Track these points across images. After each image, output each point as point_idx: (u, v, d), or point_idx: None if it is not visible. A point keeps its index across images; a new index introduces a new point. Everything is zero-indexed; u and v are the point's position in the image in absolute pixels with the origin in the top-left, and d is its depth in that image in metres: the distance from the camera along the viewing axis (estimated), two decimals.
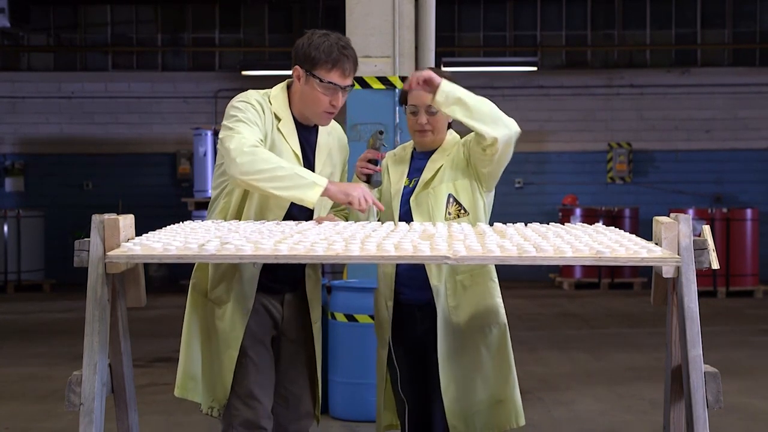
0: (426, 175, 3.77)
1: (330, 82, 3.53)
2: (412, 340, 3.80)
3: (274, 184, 3.35)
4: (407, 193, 3.80)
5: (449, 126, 3.87)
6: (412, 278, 3.75)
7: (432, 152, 3.83)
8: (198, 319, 3.65)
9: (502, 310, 3.77)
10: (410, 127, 3.81)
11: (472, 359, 3.68)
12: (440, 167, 3.76)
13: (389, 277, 3.78)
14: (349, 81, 3.58)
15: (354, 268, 6.79)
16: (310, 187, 3.36)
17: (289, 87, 3.68)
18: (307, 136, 3.68)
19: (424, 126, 3.76)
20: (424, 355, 3.77)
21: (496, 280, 3.79)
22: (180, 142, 15.46)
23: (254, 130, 3.47)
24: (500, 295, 3.80)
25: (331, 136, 3.76)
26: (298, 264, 3.56)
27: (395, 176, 3.85)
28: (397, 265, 3.76)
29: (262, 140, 3.48)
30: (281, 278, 3.65)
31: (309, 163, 3.65)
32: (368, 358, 6.24)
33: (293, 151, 3.59)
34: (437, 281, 3.68)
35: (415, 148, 3.90)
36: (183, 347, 3.69)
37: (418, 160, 3.85)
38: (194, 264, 3.64)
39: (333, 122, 3.79)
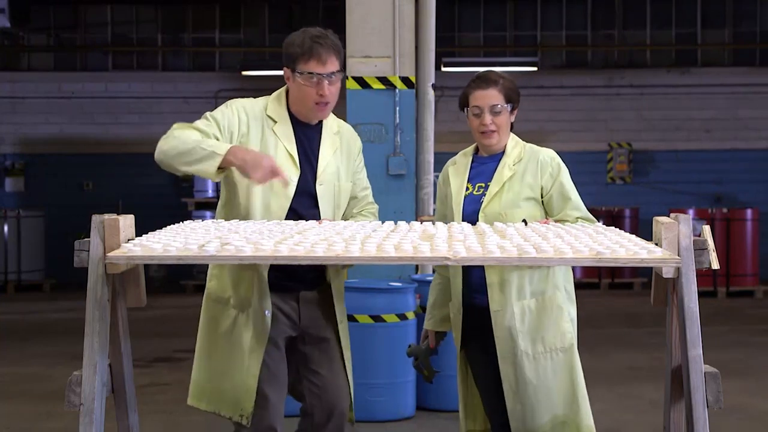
0: (493, 188, 3.71)
1: (309, 73, 3.56)
2: (486, 340, 3.73)
3: (180, 159, 3.39)
4: (472, 201, 3.75)
5: (512, 129, 3.82)
6: (483, 285, 3.70)
7: (494, 156, 3.78)
8: (216, 327, 3.62)
9: (570, 334, 3.70)
10: (474, 129, 3.75)
11: (539, 383, 3.64)
12: (508, 179, 3.70)
13: (457, 286, 3.76)
14: (330, 68, 3.58)
15: (354, 268, 6.78)
16: (212, 158, 3.36)
17: (288, 91, 3.73)
18: (311, 135, 3.70)
19: (489, 126, 3.70)
20: (496, 356, 3.72)
21: (566, 304, 3.73)
22: None
23: (207, 123, 3.52)
24: (570, 319, 3.72)
25: (339, 136, 3.77)
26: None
27: (456, 185, 3.79)
28: (469, 272, 3.73)
29: (214, 134, 3.49)
30: (294, 276, 3.61)
31: (310, 161, 3.67)
32: (368, 358, 6.25)
33: (287, 150, 3.62)
34: (499, 306, 3.64)
35: (476, 153, 3.84)
36: (198, 356, 3.67)
37: (480, 165, 3.80)
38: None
39: (342, 123, 3.82)
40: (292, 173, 3.59)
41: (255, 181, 3.38)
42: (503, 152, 3.77)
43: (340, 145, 3.75)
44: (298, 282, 3.65)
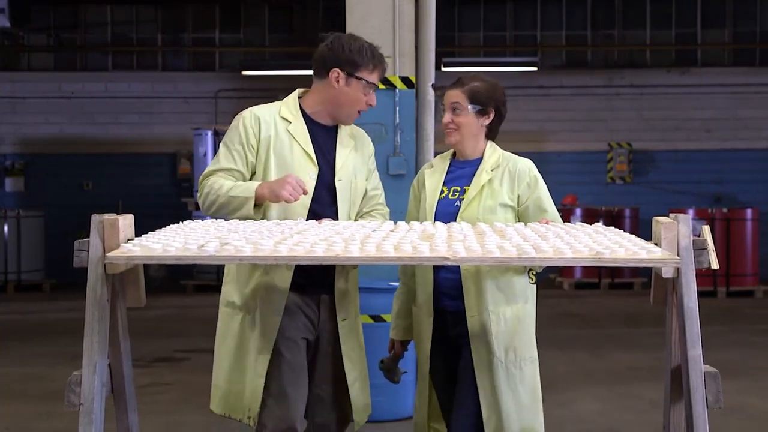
0: (471, 192, 3.74)
1: (369, 82, 3.73)
2: (445, 345, 3.77)
3: (222, 212, 3.62)
4: (447, 204, 3.78)
5: (489, 137, 3.85)
6: (451, 288, 3.73)
7: (472, 162, 3.82)
8: (230, 332, 3.67)
9: (534, 343, 3.78)
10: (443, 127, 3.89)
11: (512, 392, 3.67)
12: (486, 183, 3.74)
13: (428, 286, 3.76)
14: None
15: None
16: (246, 203, 3.56)
17: (300, 96, 3.83)
18: (326, 134, 3.78)
19: (448, 124, 3.81)
20: (456, 359, 3.76)
21: (534, 316, 3.81)
22: (180, 142, 15.47)
23: (227, 155, 3.68)
24: (534, 331, 3.81)
25: (353, 138, 3.85)
26: (330, 265, 3.58)
27: (431, 188, 3.84)
28: (437, 273, 3.75)
29: (239, 170, 3.67)
30: (315, 280, 3.66)
31: (327, 158, 3.74)
32: (368, 358, 6.23)
33: (303, 149, 3.70)
34: (476, 312, 3.65)
35: (453, 156, 3.90)
36: (217, 363, 3.72)
37: (458, 169, 3.85)
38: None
39: (355, 127, 3.91)
40: (310, 170, 3.68)
41: (284, 199, 3.51)
42: (481, 158, 3.82)
43: (354, 146, 3.84)
44: (319, 285, 3.69)
